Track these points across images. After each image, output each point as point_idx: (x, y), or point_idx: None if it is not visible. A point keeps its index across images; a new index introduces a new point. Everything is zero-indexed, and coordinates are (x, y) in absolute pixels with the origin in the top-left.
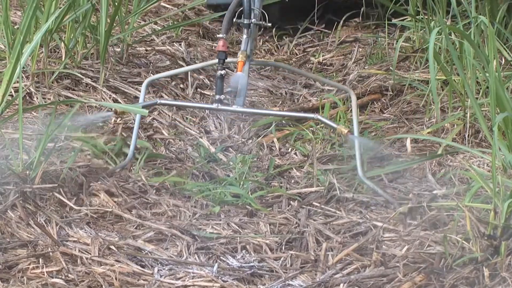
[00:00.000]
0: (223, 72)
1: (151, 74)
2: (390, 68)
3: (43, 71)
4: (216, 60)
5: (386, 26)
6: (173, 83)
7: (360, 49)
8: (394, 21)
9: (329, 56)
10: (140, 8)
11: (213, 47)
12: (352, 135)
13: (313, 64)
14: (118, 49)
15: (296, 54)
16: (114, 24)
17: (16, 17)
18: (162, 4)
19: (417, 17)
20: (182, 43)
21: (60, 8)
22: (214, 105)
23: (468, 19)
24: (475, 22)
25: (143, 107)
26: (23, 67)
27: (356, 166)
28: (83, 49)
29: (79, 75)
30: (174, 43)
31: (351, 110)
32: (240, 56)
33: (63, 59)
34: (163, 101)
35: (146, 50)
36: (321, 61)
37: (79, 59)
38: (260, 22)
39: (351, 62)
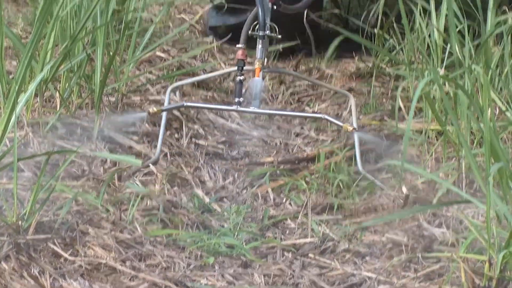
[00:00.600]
0: (242, 77)
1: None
2: (385, 118)
3: (38, 120)
4: (235, 68)
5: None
6: (168, 132)
7: (355, 98)
8: (388, 70)
9: (324, 105)
10: (135, 57)
11: (208, 97)
12: (357, 131)
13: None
14: (113, 99)
15: (291, 104)
16: (109, 74)
17: (11, 67)
18: (157, 53)
19: (412, 66)
20: (177, 92)
21: (55, 57)
22: (234, 107)
23: (462, 69)
24: (470, 71)
25: (170, 109)
26: (18, 117)
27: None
28: (78, 99)
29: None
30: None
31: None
32: (256, 64)
33: (58, 108)
34: (189, 104)
35: (141, 100)
36: (316, 110)
37: (74, 109)
38: (272, 34)
39: (346, 112)
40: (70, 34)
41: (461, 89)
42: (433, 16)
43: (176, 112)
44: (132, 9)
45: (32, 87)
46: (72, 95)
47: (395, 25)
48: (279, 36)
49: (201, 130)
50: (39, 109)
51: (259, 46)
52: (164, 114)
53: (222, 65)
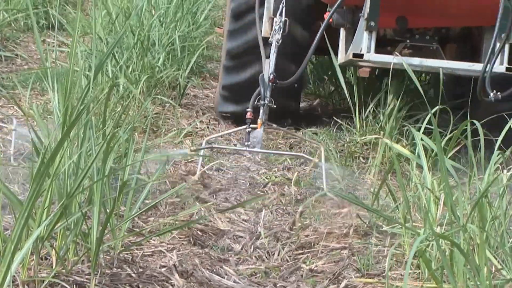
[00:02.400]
0: (249, 129)
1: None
2: (381, 276)
3: (34, 279)
4: (245, 126)
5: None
6: None
7: (351, 255)
8: (385, 228)
9: (320, 263)
10: (131, 216)
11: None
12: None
13: (303, 271)
14: (109, 257)
15: (287, 261)
16: (105, 231)
17: (6, 222)
18: (153, 210)
19: (407, 224)
20: (174, 252)
21: (52, 214)
22: (245, 148)
23: (458, 227)
24: (465, 230)
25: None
26: (13, 275)
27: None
28: (74, 256)
29: (68, 287)
30: (166, 252)
31: None
32: (259, 121)
33: (53, 266)
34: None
35: (138, 256)
36: (312, 268)
37: (70, 267)
38: (271, 104)
39: (342, 269)
40: (66, 192)
41: (457, 248)
42: (427, 175)
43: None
44: (129, 166)
45: (28, 244)
46: (68, 252)
47: (390, 182)
48: (274, 106)
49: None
50: (35, 267)
51: (261, 111)
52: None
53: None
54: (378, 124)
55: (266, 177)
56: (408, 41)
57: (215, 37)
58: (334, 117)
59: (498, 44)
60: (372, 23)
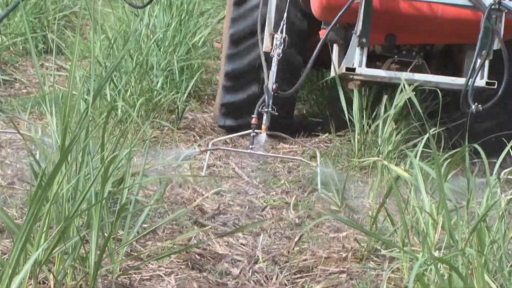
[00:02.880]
0: (254, 134)
1: None
2: None
3: None
4: (250, 130)
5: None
6: None
7: (350, 279)
8: (383, 252)
9: (318, 287)
10: (129, 240)
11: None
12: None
13: None
14: (107, 281)
15: (286, 285)
16: (104, 255)
17: (4, 246)
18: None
19: (405, 248)
20: (172, 276)
21: (49, 239)
22: (249, 150)
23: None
24: (464, 254)
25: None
26: None
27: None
28: (72, 281)
29: None
30: (164, 276)
31: None
32: (263, 126)
33: None
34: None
35: (136, 280)
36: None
37: None
38: (273, 112)
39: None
40: (64, 216)
41: (456, 272)
42: (425, 198)
43: None
44: (127, 190)
45: (25, 268)
46: (66, 277)
47: (388, 206)
48: (276, 113)
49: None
50: None
51: (264, 117)
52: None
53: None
54: (376, 148)
55: (264, 201)
56: (396, 56)
57: (213, 61)
58: (333, 141)
59: (479, 61)
60: (364, 40)
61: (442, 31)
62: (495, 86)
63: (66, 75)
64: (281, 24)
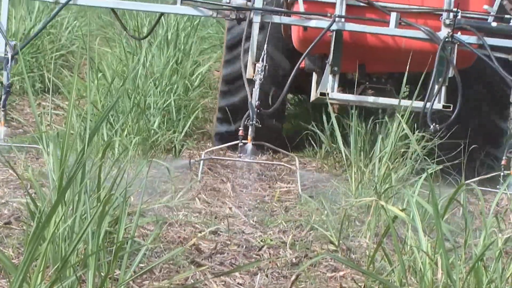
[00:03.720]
0: (241, 144)
1: None
2: None
3: None
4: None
5: None
6: None
7: None
8: None
9: None
10: (125, 280)
11: None
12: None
13: None
14: None
15: None
16: None
17: (0, 286)
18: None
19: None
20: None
21: (46, 279)
22: (238, 157)
23: None
24: None
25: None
26: None
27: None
28: None
29: None
30: None
31: None
32: (249, 137)
33: None
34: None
35: None
36: None
37: None
38: (258, 124)
39: None
40: (61, 255)
41: None
42: (422, 238)
43: None
44: (124, 229)
45: None
46: None
47: (385, 246)
48: (260, 125)
49: None
50: None
51: (249, 130)
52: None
53: None
54: (373, 187)
55: (261, 240)
56: (367, 83)
57: (211, 100)
58: (330, 180)
59: (436, 86)
60: (335, 68)
61: (405, 61)
62: (451, 109)
63: (63, 115)
64: (262, 53)
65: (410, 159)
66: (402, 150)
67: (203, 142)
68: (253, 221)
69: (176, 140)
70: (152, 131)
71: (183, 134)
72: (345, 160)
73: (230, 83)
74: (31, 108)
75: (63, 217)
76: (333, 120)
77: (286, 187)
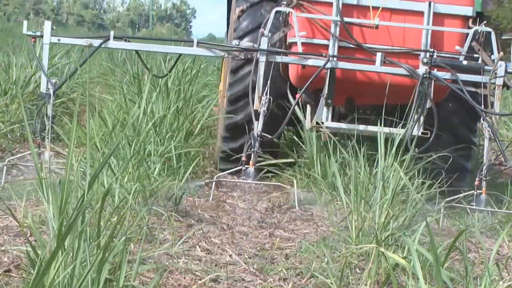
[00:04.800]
0: (244, 168)
1: None
2: None
3: None
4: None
5: None
6: None
7: None
8: None
9: None
10: None
11: None
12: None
13: None
14: None
15: None
16: None
17: None
18: None
19: None
20: None
21: None
22: (242, 179)
23: None
24: None
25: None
26: None
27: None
28: None
29: None
30: None
31: None
32: (251, 162)
33: None
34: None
35: None
36: None
37: None
38: (260, 151)
39: None
40: None
41: None
42: (423, 285)
43: None
44: (124, 277)
45: None
46: None
47: None
48: (262, 152)
49: None
50: None
51: (252, 156)
52: None
53: None
54: (373, 234)
55: None
56: (355, 114)
57: (211, 147)
58: (331, 228)
59: (415, 116)
60: (329, 101)
61: (389, 95)
62: (428, 135)
63: (63, 162)
64: (266, 88)
65: (411, 207)
66: (402, 198)
67: (204, 190)
68: (253, 268)
69: (176, 187)
70: (153, 178)
71: (183, 181)
72: (345, 208)
73: (234, 103)
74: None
75: (63, 265)
76: (335, 169)
77: (287, 236)
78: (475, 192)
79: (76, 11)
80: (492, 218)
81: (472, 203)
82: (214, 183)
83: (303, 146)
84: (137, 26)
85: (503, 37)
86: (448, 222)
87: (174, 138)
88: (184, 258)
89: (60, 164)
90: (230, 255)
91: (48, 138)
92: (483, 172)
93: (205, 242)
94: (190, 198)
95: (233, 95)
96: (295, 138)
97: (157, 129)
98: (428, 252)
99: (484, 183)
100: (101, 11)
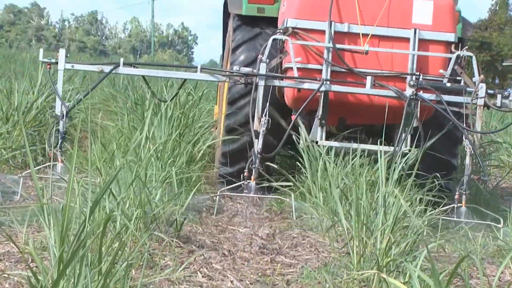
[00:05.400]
0: (246, 182)
1: None
2: None
3: None
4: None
5: None
6: None
7: None
8: None
9: None
10: None
11: None
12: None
13: None
14: None
15: None
16: None
17: None
18: None
19: None
20: None
21: None
22: (245, 192)
23: None
24: None
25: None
26: None
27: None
28: None
29: None
30: None
31: None
32: (252, 177)
33: None
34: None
35: None
36: None
37: None
38: (260, 168)
39: None
40: None
41: None
42: None
43: None
44: None
45: None
46: None
47: None
48: (262, 168)
49: None
50: None
51: (253, 172)
52: None
53: None
54: (375, 260)
55: None
56: (346, 133)
57: (211, 173)
58: (332, 254)
59: (403, 135)
60: (323, 121)
61: (379, 115)
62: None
63: (65, 188)
64: (265, 109)
65: (412, 232)
66: (404, 224)
67: (205, 215)
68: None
69: (178, 213)
70: (154, 204)
71: (184, 207)
72: (346, 234)
73: (230, 133)
74: (33, 181)
75: None
76: (336, 196)
77: (288, 262)
78: (455, 205)
79: (78, 38)
80: (493, 245)
81: (453, 215)
82: (218, 197)
83: (302, 167)
84: (138, 52)
85: (504, 64)
86: (449, 248)
87: (175, 164)
88: (186, 284)
89: (62, 188)
90: (232, 281)
91: (60, 151)
92: (463, 186)
93: (206, 268)
94: (192, 224)
95: (229, 126)
96: (295, 155)
97: (159, 155)
98: (430, 279)
99: (463, 196)
100: (103, 38)
